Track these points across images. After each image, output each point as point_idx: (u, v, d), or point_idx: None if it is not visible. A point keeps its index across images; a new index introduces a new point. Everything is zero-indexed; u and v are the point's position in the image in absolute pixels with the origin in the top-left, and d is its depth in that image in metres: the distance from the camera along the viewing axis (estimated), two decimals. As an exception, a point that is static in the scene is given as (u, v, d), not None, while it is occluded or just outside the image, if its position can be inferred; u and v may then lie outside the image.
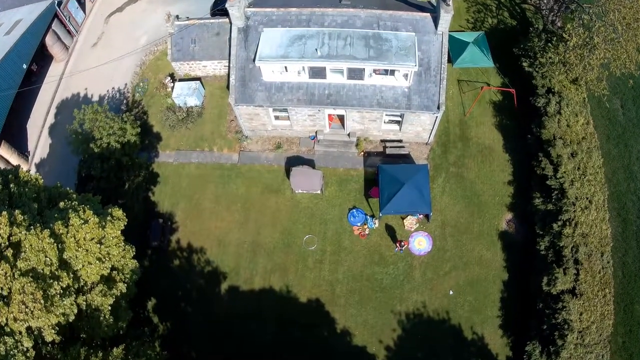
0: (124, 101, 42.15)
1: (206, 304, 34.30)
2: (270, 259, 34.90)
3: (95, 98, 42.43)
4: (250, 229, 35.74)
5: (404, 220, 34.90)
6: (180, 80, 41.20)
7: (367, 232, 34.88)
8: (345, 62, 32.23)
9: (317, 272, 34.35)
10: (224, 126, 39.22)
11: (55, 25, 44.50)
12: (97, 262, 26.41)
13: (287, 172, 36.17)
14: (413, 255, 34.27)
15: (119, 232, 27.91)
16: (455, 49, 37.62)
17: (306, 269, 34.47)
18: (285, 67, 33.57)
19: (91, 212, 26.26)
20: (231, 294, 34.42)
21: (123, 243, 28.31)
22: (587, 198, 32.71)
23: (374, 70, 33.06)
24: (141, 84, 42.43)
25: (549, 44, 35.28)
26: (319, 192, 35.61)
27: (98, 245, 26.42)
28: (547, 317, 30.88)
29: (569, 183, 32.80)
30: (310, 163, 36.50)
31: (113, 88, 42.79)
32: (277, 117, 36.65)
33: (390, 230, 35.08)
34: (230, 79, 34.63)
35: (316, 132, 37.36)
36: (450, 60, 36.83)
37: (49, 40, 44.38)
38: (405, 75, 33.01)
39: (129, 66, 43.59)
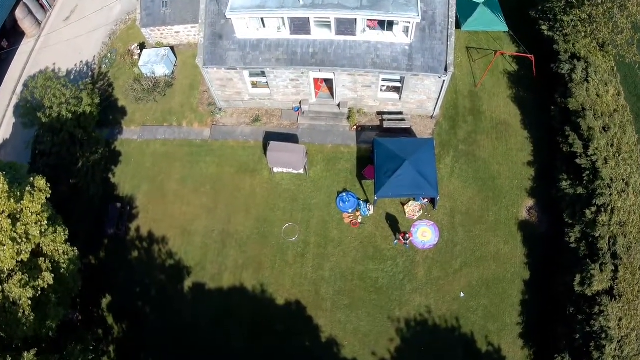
0: (90, 74, 33.42)
1: (167, 304, 25.88)
2: (242, 251, 26.29)
3: (63, 73, 33.86)
4: (220, 215, 27.17)
5: (405, 207, 26.11)
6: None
7: (359, 220, 26.16)
8: (333, 12, 23.76)
9: (299, 268, 25.70)
10: (195, 98, 30.61)
11: (26, -2, 36.37)
12: (11, 243, 19.70)
13: (265, 149, 27.47)
14: (416, 249, 25.63)
15: (40, 207, 20.93)
16: (464, 9, 29.16)
17: (285, 264, 25.82)
18: (262, 21, 25.26)
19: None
20: (196, 292, 25.93)
21: (47, 222, 21.23)
22: (624, 180, 24.38)
23: (368, 25, 24.56)
24: (109, 55, 33.90)
25: (572, 1, 27.05)
26: (301, 171, 26.92)
27: (9, 221, 19.94)
28: (580, 324, 22.79)
29: (602, 161, 24.44)
30: (293, 139, 27.96)
31: (81, 62, 34.43)
32: (254, 85, 28.01)
33: (389, 219, 26.44)
34: (199, 37, 25.86)
35: (300, 103, 28.56)
36: (458, 23, 28.07)
37: (20, 14, 36.51)
38: (406, 30, 24.62)
39: (99, 38, 35.18)
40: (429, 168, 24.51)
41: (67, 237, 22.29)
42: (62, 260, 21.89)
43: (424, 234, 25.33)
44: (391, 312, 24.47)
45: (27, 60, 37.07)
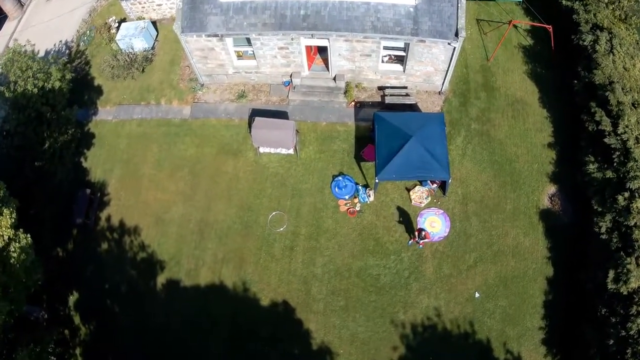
0: (67, 52, 28.42)
1: (138, 303, 20.91)
2: (222, 244, 21.26)
3: (42, 54, 28.81)
4: (199, 202, 22.12)
5: (410, 193, 21.09)
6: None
7: (358, 208, 21.11)
8: (327, -36, 18.44)
9: (287, 263, 20.68)
10: (176, 74, 25.56)
11: (7, -23, 31.62)
12: None
13: (250, 127, 22.22)
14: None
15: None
16: (475, -25, 23.81)
17: (271, 258, 20.79)
18: (247, -21, 19.93)
19: None
20: (170, 290, 20.91)
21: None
22: (657, 161, 19.40)
23: (369, -18, 19.39)
24: (87, 32, 28.80)
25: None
26: (291, 151, 21.95)
27: None
28: (614, 327, 17.94)
29: (634, 140, 19.54)
30: (283, 116, 22.89)
31: (60, 41, 29.26)
32: (239, 56, 23.02)
33: (392, 207, 21.34)
34: (177, 1, 20.89)
35: (291, 76, 23.46)
36: (468, -9, 23.07)
37: (1, -5, 31.33)
38: (411, -12, 19.37)
39: (79, 16, 30.04)
40: (439, 146, 19.48)
41: (14, 221, 17.64)
42: (13, 249, 17.19)
43: (433, 224, 20.32)
44: (394, 316, 19.48)
45: (7, 43, 32.17)
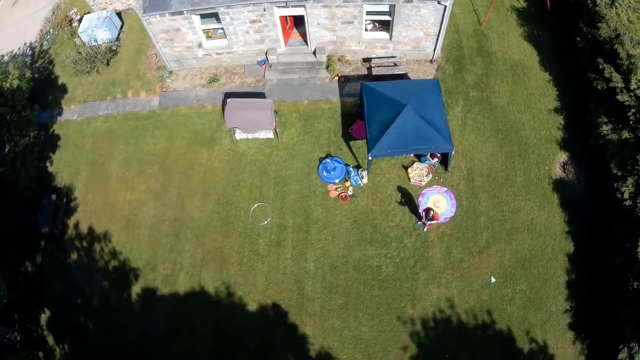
0: (30, 53, 24.88)
1: (111, 317, 17.28)
2: (200, 244, 17.76)
3: (7, 59, 25.21)
4: (172, 200, 18.62)
5: (408, 170, 17.73)
6: (91, 14, 24.21)
7: (350, 192, 17.73)
8: None
9: (274, 261, 17.17)
10: (143, 63, 22.08)
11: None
12: None
13: (224, 111, 18.72)
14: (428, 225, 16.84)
15: None
16: None
17: (256, 257, 17.30)
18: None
19: None
20: (147, 301, 17.33)
21: None
22: (673, 118, 16.26)
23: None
24: (51, 30, 25.22)
25: None
26: (270, 135, 18.54)
27: None
28: None
29: None
30: (260, 97, 19.22)
31: (25, 44, 25.57)
32: (209, 36, 19.65)
33: (389, 188, 17.91)
34: (135, -22, 17.66)
35: (267, 54, 20.02)
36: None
37: (-36, 2, 27.78)
38: (394, -61, 15.93)
39: (43, 16, 26.44)
40: (437, 114, 16.13)
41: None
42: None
43: (437, 204, 16.93)
44: (402, 311, 16.08)
45: (-29, 52, 28.91)
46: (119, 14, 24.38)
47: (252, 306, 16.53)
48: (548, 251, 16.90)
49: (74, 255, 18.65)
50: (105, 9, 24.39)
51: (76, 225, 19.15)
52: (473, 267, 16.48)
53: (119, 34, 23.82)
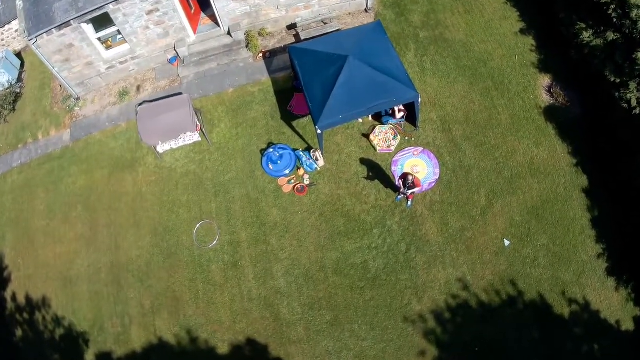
0: None
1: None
2: (146, 287, 13.89)
3: None
4: (104, 243, 14.72)
5: (371, 138, 14.23)
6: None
7: (306, 181, 14.06)
8: None
9: (235, 287, 13.35)
10: (48, 98, 18.25)
11: None
12: None
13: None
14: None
15: None
16: None
17: (213, 287, 13.47)
18: None
19: None
20: (100, 371, 13.40)
21: None
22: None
23: None
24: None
25: None
26: (197, 137, 14.68)
27: None
28: None
29: None
30: (182, 101, 15.24)
31: None
32: (108, 45, 15.95)
33: (353, 164, 14.28)
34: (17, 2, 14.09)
35: (176, 49, 16.36)
36: None
37: None
38: None
39: None
40: (389, 59, 12.70)
41: None
42: None
43: (415, 170, 13.53)
44: (407, 310, 12.48)
45: None
46: (18, 54, 20.73)
47: (223, 348, 12.73)
48: (561, 191, 13.62)
49: (19, 332, 14.60)
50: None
51: (13, 297, 15.10)
52: (479, 234, 13.02)
53: (20, 74, 20.07)
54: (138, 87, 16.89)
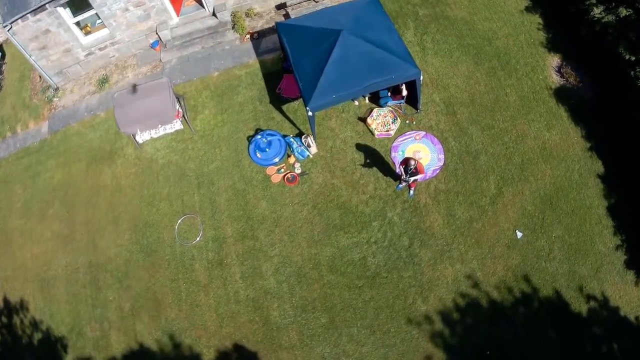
0: None
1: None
2: (125, 288, 12.58)
3: None
4: (81, 241, 13.41)
5: (368, 121, 12.99)
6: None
7: (298, 169, 12.80)
8: None
9: (220, 288, 12.06)
10: (27, 90, 16.96)
11: None
12: None
13: (114, 113, 13.74)
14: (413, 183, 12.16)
15: None
16: None
17: (197, 288, 12.17)
18: None
19: None
20: (79, 379, 12.17)
21: None
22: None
23: None
24: None
25: None
26: (179, 125, 13.41)
27: None
28: None
29: None
30: (161, 85, 14.02)
31: None
32: (86, 31, 14.78)
33: (349, 150, 13.02)
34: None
35: (157, 32, 15.08)
36: None
37: None
38: None
39: None
40: (387, 33, 11.45)
41: None
42: None
43: (417, 155, 12.31)
44: (410, 310, 11.23)
45: None
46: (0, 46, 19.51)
47: (208, 355, 11.42)
48: (575, 178, 12.45)
49: (-1, 337, 13.56)
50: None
51: (-8, 301, 14.05)
52: (488, 225, 11.80)
53: (0, 66, 18.92)
54: (119, 74, 15.64)
